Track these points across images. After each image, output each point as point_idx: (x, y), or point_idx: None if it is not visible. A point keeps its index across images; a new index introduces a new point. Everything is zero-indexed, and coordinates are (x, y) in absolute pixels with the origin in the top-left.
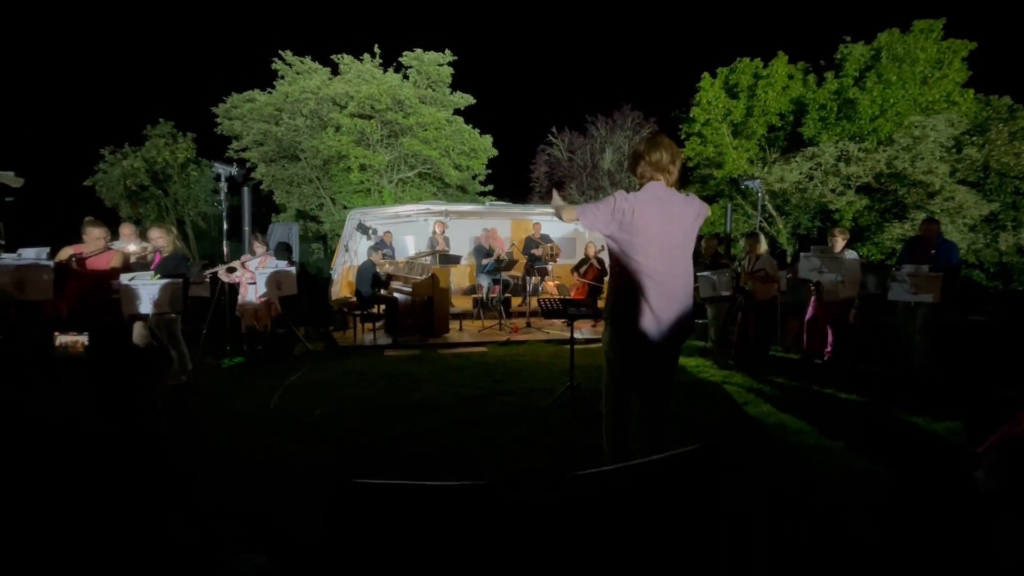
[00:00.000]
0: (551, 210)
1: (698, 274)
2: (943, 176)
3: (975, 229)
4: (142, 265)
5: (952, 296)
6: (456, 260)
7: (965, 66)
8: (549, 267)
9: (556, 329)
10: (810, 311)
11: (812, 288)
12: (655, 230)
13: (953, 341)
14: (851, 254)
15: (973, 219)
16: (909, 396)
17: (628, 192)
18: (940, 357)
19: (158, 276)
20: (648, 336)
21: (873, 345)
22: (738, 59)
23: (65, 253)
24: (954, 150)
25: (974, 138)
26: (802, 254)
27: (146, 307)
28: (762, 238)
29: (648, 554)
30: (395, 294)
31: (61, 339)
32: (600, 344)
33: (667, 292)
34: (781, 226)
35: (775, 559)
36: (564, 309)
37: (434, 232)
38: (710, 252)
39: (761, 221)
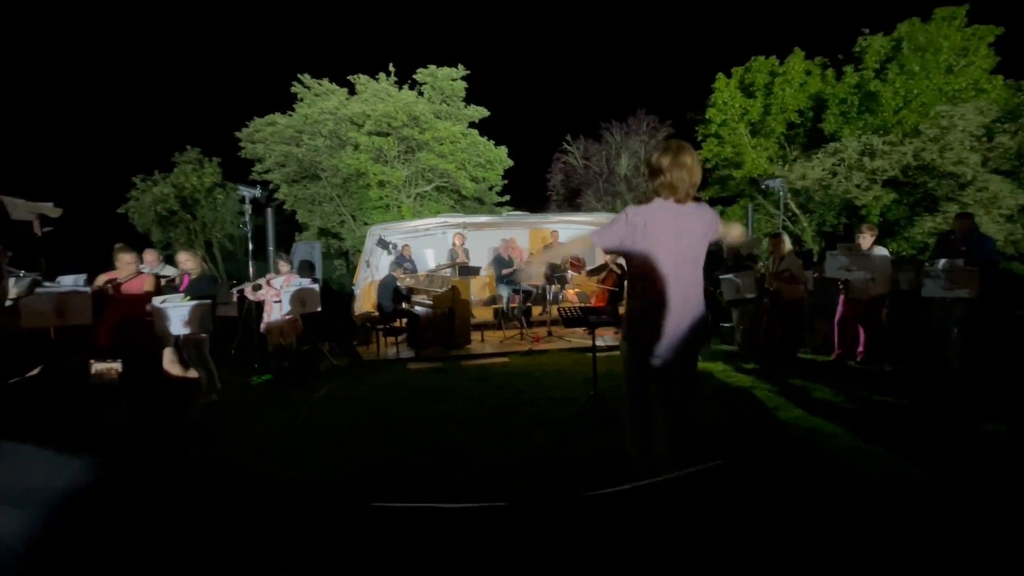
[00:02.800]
0: (568, 218)
1: (721, 277)
2: (975, 166)
3: (1012, 219)
4: (172, 287)
5: (991, 292)
6: (475, 271)
7: (992, 52)
8: (568, 275)
9: (578, 337)
10: (839, 311)
11: (841, 287)
12: (666, 241)
13: (994, 337)
14: (880, 250)
15: (1009, 209)
16: (949, 397)
17: (638, 206)
18: (981, 355)
19: (188, 298)
20: (663, 345)
21: (908, 345)
22: (753, 58)
23: (101, 280)
24: (985, 139)
25: (1006, 125)
26: (828, 252)
27: (177, 328)
28: (786, 238)
29: (672, 572)
30: (416, 307)
31: (97, 367)
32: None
33: (680, 301)
34: (805, 224)
35: (808, 571)
36: (585, 317)
37: (453, 244)
38: (732, 256)
39: (784, 220)
